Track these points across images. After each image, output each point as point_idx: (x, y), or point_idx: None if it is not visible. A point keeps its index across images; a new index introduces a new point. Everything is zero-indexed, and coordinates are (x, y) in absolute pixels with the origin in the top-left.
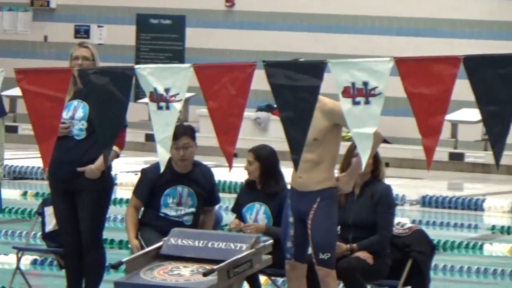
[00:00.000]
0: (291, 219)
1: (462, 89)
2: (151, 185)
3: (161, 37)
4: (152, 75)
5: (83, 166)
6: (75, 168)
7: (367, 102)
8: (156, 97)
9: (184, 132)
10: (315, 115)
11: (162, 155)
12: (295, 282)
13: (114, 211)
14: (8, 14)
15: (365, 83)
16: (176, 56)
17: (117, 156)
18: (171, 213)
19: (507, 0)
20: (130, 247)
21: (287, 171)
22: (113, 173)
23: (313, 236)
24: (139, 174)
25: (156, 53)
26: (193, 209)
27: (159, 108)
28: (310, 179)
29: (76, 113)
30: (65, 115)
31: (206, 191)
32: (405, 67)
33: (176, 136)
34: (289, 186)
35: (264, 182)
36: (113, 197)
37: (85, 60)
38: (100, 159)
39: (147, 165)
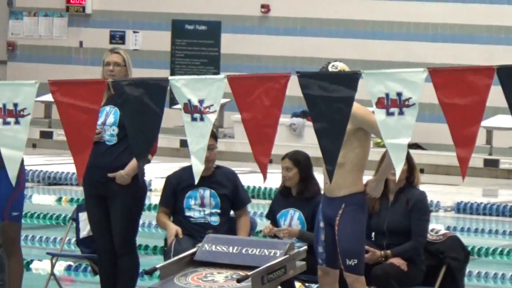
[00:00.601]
0: (322, 224)
1: (498, 95)
2: (173, 191)
3: (196, 43)
4: (186, 87)
5: (114, 171)
6: (106, 173)
7: (401, 113)
8: (190, 109)
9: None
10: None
11: (196, 167)
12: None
13: (148, 217)
14: (43, 19)
15: (399, 94)
16: (211, 62)
17: (148, 162)
18: (195, 214)
19: None
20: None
21: (319, 176)
22: (147, 178)
23: (339, 242)
24: (163, 185)
25: (191, 59)
26: (217, 210)
27: (193, 119)
28: (334, 184)
29: (107, 119)
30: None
31: (230, 192)
32: (439, 77)
33: None
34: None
35: (302, 188)
36: (147, 202)
37: (116, 66)
38: (130, 165)
39: (176, 170)
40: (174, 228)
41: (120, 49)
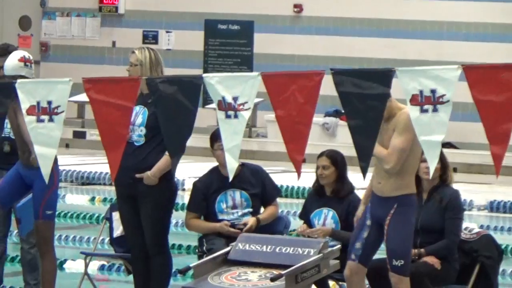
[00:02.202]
0: (368, 222)
1: None
2: (203, 197)
3: (229, 43)
4: (220, 84)
5: (142, 172)
6: (134, 174)
7: (435, 110)
8: (224, 106)
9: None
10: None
11: (231, 164)
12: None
13: (181, 216)
14: (76, 19)
15: (433, 91)
16: (244, 62)
17: None
18: (229, 217)
19: None
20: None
21: (355, 176)
22: (180, 178)
23: (387, 242)
24: (191, 187)
25: (224, 58)
26: (249, 209)
27: (228, 116)
28: (388, 185)
29: (136, 119)
30: None
31: (260, 189)
32: (474, 74)
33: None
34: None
35: (337, 187)
36: (180, 202)
37: (131, 66)
38: (157, 166)
39: (201, 176)
40: (218, 223)
41: (136, 49)
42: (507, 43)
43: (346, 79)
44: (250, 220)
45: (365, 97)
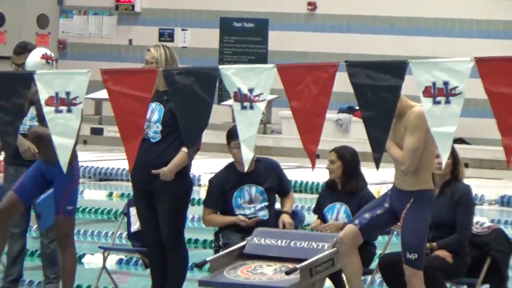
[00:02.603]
0: (386, 205)
1: None
2: (220, 193)
3: (244, 40)
4: (236, 76)
5: (158, 168)
6: (150, 170)
7: (447, 102)
8: (240, 97)
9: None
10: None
11: (246, 154)
12: (346, 256)
13: (197, 211)
14: (93, 18)
15: (446, 83)
16: (259, 59)
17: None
18: (246, 212)
19: None
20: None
21: (369, 171)
22: (196, 174)
23: (402, 235)
24: (207, 183)
25: (239, 56)
26: (265, 203)
27: (243, 107)
28: (404, 181)
29: (152, 116)
30: None
31: (275, 183)
32: (486, 66)
33: (237, 136)
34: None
35: (345, 181)
36: (196, 197)
37: (146, 63)
38: (173, 162)
39: (217, 172)
40: (233, 217)
41: (151, 47)
42: None
43: (360, 71)
44: (285, 219)
45: (379, 88)
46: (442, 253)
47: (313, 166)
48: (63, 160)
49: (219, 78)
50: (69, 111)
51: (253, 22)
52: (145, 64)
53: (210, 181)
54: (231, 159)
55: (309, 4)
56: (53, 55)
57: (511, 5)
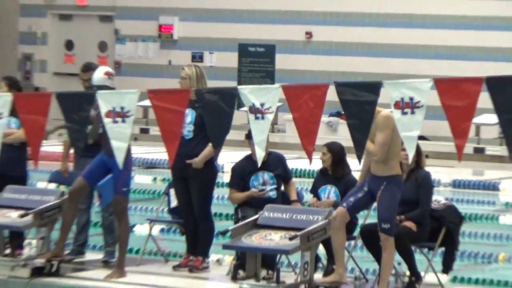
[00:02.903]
0: (365, 188)
1: (483, 99)
2: (241, 177)
3: (257, 61)
4: (250, 94)
5: (191, 159)
6: (185, 160)
7: (412, 113)
8: (254, 110)
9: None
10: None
11: (259, 154)
12: (337, 233)
13: (222, 192)
14: (141, 44)
15: (411, 98)
16: (268, 76)
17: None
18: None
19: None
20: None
21: (353, 161)
22: (221, 163)
23: (378, 210)
24: (230, 171)
25: (253, 73)
26: (274, 186)
27: (256, 118)
28: (378, 168)
29: (187, 119)
30: None
31: (282, 171)
32: (442, 85)
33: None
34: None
35: (334, 169)
36: (220, 181)
37: (182, 79)
38: (202, 154)
39: (237, 161)
40: (249, 191)
41: (186, 66)
42: (467, 61)
43: (345, 89)
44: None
45: (360, 103)
46: (409, 224)
47: (310, 161)
48: (119, 159)
49: (238, 95)
50: (123, 121)
51: (263, 47)
52: (181, 79)
53: (233, 168)
54: (249, 152)
55: (306, 33)
56: (113, 72)
57: (465, 33)
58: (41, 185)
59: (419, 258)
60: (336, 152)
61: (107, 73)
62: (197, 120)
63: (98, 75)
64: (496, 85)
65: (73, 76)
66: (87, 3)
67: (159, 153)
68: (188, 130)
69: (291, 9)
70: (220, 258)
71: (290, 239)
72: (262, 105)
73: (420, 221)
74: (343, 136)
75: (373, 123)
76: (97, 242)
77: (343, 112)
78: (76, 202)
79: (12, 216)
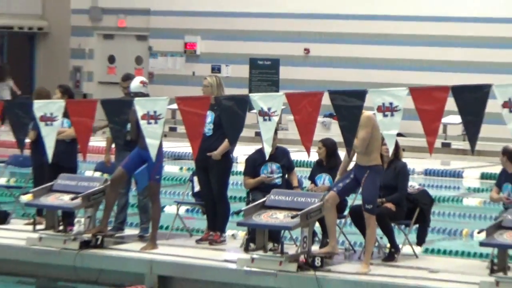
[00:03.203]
0: (352, 176)
1: (449, 103)
2: (253, 166)
3: (265, 72)
4: (259, 100)
5: (211, 152)
6: (206, 153)
7: (392, 115)
8: (262, 113)
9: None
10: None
11: (267, 149)
12: (329, 212)
13: (236, 179)
14: (170, 58)
15: (391, 103)
16: (274, 84)
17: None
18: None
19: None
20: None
21: (343, 154)
22: (235, 155)
23: (362, 193)
24: (244, 161)
25: (261, 82)
26: (280, 174)
27: (264, 120)
28: (362, 159)
29: (207, 119)
30: None
31: (286, 163)
32: (416, 93)
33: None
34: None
35: (328, 160)
36: (235, 170)
37: (204, 87)
38: (220, 148)
39: (250, 153)
40: (260, 177)
41: (208, 76)
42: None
43: (337, 96)
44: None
45: (349, 107)
46: (389, 205)
47: (309, 155)
48: (153, 153)
49: (249, 101)
50: (155, 123)
51: (270, 61)
52: (203, 87)
53: (247, 159)
54: (256, 147)
55: (305, 49)
56: (147, 81)
57: (433, 49)
58: (88, 173)
59: (398, 233)
60: (329, 147)
61: (142, 82)
62: (216, 120)
63: (135, 84)
64: (459, 92)
65: (114, 84)
66: (126, 25)
67: (185, 147)
68: (208, 128)
69: (292, 30)
70: (235, 233)
71: (292, 217)
72: (269, 109)
73: (398, 203)
74: (335, 133)
75: (360, 124)
76: (134, 220)
77: (335, 114)
78: (117, 187)
79: (64, 199)
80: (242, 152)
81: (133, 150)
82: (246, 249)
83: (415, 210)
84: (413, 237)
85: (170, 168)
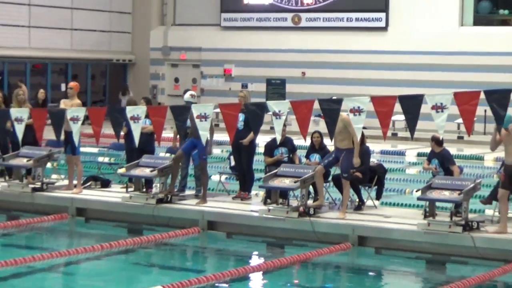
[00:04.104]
0: (333, 155)
1: (397, 106)
2: (270, 149)
3: (276, 88)
4: (274, 105)
5: (242, 139)
6: (239, 140)
7: (359, 115)
8: (275, 114)
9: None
10: (339, 123)
11: (278, 138)
12: (319, 179)
13: (258, 158)
14: (215, 79)
15: (359, 107)
16: (282, 96)
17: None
18: (279, 158)
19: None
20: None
21: (327, 141)
22: (257, 142)
23: (340, 167)
24: (264, 146)
25: (274, 94)
26: (287, 155)
27: (276, 118)
28: (341, 144)
29: (240, 118)
30: None
31: (291, 146)
32: (376, 100)
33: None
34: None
35: (319, 145)
36: (257, 151)
37: (239, 97)
38: (248, 137)
39: (268, 141)
40: (275, 157)
41: (244, 90)
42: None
43: (324, 103)
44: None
45: (332, 110)
46: (358, 174)
47: (305, 141)
48: (204, 140)
49: (266, 106)
50: (205, 120)
51: (279, 80)
52: (239, 97)
53: (266, 145)
54: (271, 136)
55: (302, 72)
56: (196, 94)
57: (387, 72)
58: (162, 155)
59: (363, 192)
60: (322, 136)
61: (191, 95)
62: (245, 119)
63: (187, 96)
64: (404, 99)
65: (178, 96)
66: (186, 57)
67: (224, 137)
68: (240, 124)
69: (294, 60)
70: (257, 193)
71: (295, 182)
72: (279, 111)
73: (364, 172)
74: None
75: (338, 121)
76: (191, 185)
77: (322, 114)
78: (179, 163)
79: (146, 171)
80: (262, 140)
81: (189, 140)
82: (265, 203)
83: (374, 177)
84: (373, 194)
85: (215, 151)
